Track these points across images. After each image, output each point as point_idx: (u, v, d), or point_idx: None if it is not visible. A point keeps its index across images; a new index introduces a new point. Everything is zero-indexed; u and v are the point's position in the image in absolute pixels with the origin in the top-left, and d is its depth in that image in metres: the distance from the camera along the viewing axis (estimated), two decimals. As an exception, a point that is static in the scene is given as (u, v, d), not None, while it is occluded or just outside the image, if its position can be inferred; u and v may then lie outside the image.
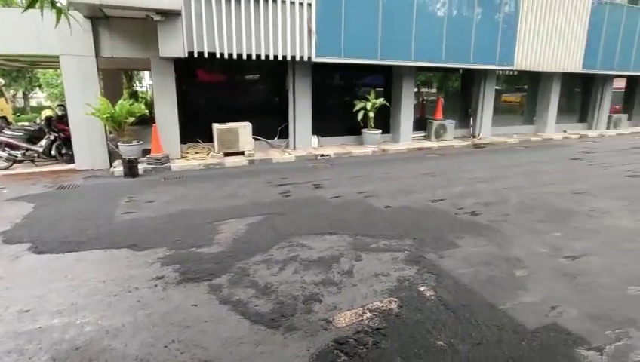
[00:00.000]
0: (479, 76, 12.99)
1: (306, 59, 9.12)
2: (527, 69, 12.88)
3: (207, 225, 4.88)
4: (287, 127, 10.32)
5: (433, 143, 11.58)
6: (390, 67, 11.20)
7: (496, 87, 13.98)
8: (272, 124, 10.34)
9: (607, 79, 15.99)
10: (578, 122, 16.72)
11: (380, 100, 10.56)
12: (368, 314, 2.96)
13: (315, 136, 10.47)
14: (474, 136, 13.09)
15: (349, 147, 10.60)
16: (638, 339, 2.71)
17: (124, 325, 2.84)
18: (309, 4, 8.89)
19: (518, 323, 2.88)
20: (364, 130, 10.73)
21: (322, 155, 9.61)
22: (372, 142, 10.62)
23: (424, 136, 12.36)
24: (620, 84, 17.53)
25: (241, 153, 9.10)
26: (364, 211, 5.46)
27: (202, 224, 4.94)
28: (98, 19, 7.82)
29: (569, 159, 9.85)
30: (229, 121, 9.15)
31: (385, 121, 11.76)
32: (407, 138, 11.71)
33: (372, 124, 10.61)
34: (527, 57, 12.60)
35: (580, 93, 16.65)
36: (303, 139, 10.27)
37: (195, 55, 8.13)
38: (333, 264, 3.80)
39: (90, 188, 6.92)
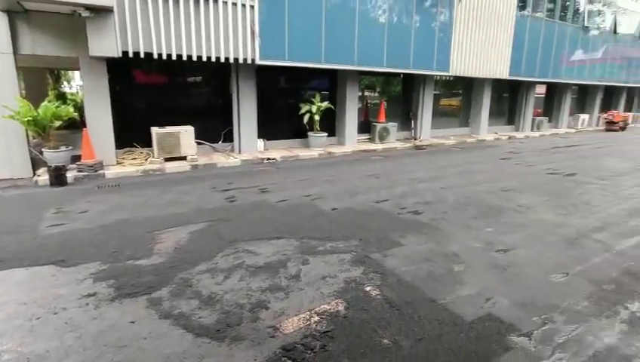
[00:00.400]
0: (419, 81, 13.63)
1: (249, 61, 8.99)
2: (462, 75, 13.76)
3: (146, 235, 4.62)
4: (231, 131, 10.09)
5: (377, 145, 11.94)
6: (335, 71, 11.39)
7: (435, 92, 14.78)
8: (216, 128, 10.06)
9: (531, 85, 17.54)
10: (507, 124, 18.14)
11: (326, 104, 10.70)
12: (316, 318, 2.97)
13: (261, 140, 10.35)
14: (415, 139, 13.70)
15: (295, 150, 10.60)
16: (561, 323, 2.98)
17: (48, 351, 2.59)
18: (252, 6, 8.79)
19: (456, 315, 3.05)
20: (310, 133, 10.80)
21: (268, 159, 9.52)
22: (318, 145, 10.72)
23: (369, 138, 12.70)
24: (541, 90, 19.29)
25: (184, 158, 8.75)
26: (311, 214, 5.49)
27: (141, 234, 4.67)
28: (16, 12, 7.12)
29: (499, 159, 10.65)
30: (169, 125, 8.76)
31: (331, 124, 11.93)
32: (352, 140, 11.97)
33: (318, 127, 10.71)
34: (462, 64, 13.46)
35: (508, 97, 18.09)
36: (249, 143, 10.10)
37: (131, 55, 7.68)
38: (280, 269, 3.77)
39: (11, 199, 6.26)
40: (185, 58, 8.24)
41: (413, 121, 13.85)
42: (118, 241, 4.42)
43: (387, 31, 11.04)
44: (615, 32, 20.29)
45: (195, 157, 8.82)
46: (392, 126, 12.65)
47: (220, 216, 5.35)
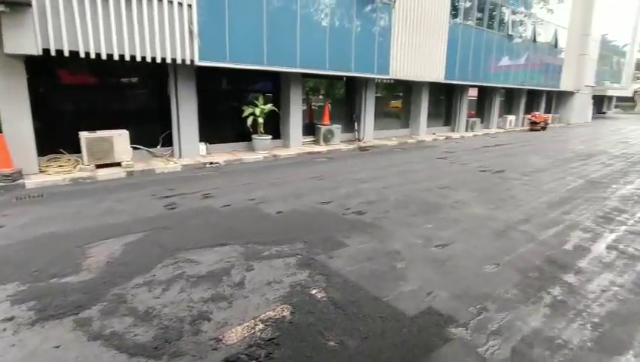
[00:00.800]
0: (361, 84, 13.99)
1: (188, 62, 8.66)
2: (401, 78, 14.36)
3: (75, 250, 4.25)
4: (171, 135, 9.64)
5: (322, 147, 12.06)
6: (278, 73, 11.33)
7: (377, 94, 15.27)
8: (153, 132, 9.56)
9: (464, 88, 18.73)
10: (444, 125, 19.21)
11: (269, 106, 10.60)
12: (261, 326, 2.91)
13: (203, 143, 10.01)
14: (359, 140, 14.03)
15: (239, 153, 10.39)
16: (494, 311, 3.19)
17: (-46, 386, 2.29)
18: (189, 5, 8.47)
19: (399, 311, 3.14)
20: (254, 136, 10.64)
21: (211, 163, 9.22)
22: (263, 148, 10.59)
23: (313, 140, 12.79)
24: (473, 93, 20.67)
25: (118, 164, 8.20)
26: (256, 218, 5.39)
27: (69, 248, 4.29)
28: None
29: (436, 158, 11.23)
30: (101, 129, 8.17)
31: (275, 126, 11.85)
32: (297, 143, 11.98)
33: (262, 129, 10.57)
34: (401, 68, 14.03)
35: (444, 100, 19.17)
36: (190, 147, 9.72)
37: (53, 53, 7.05)
38: (224, 277, 3.65)
39: None
40: (117, 58, 7.74)
41: (356, 123, 14.18)
42: (42, 258, 4.03)
43: (329, 34, 11.21)
44: (535, 40, 22.33)
45: (131, 163, 8.31)
46: (337, 128, 12.85)
47: (159, 225, 5.07)
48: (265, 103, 10.61)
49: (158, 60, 8.24)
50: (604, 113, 44.91)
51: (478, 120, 20.12)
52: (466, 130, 19.18)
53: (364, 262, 4.06)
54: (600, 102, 42.59)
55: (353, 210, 5.88)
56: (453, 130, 19.00)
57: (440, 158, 11.24)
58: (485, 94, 21.29)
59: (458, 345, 2.75)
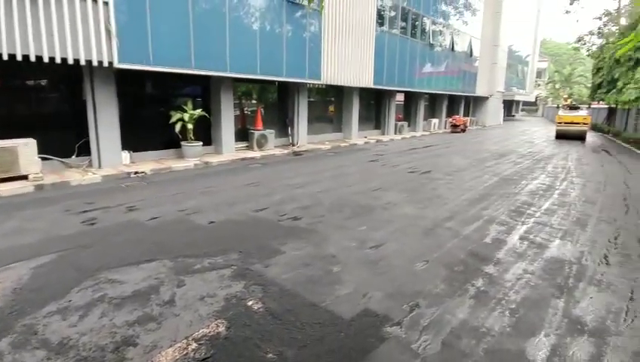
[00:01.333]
0: (293, 88, 14.04)
1: (106, 64, 8.01)
2: (333, 83, 14.68)
3: (-32, 278, 3.69)
4: (88, 143, 8.83)
5: (256, 153, 11.87)
6: (208, 78, 10.95)
7: (310, 99, 15.44)
8: (68, 140, 8.68)
9: (392, 93, 19.67)
10: (375, 129, 19.99)
11: (199, 111, 10.18)
12: (194, 345, 2.75)
13: (127, 152, 9.32)
14: (293, 145, 14.05)
15: (167, 162, 9.83)
16: (425, 307, 3.34)
17: None
18: (105, 3, 7.86)
19: (336, 316, 3.16)
20: (183, 143, 10.14)
21: (136, 173, 8.61)
22: (193, 155, 10.14)
23: (247, 146, 12.55)
24: (400, 98, 21.80)
25: (24, 177, 7.32)
26: (187, 230, 5.12)
27: (-40, 277, 3.71)
28: None
29: (368, 161, 11.63)
30: (3, 138, 7.23)
31: (206, 132, 11.43)
32: (230, 149, 11.66)
33: (192, 136, 10.13)
34: (332, 73, 14.35)
35: (374, 105, 19.95)
36: (111, 156, 8.99)
37: (-63, 52, 6.11)
38: (152, 296, 3.40)
39: None
40: (20, 58, 6.92)
41: (290, 128, 14.20)
42: None
43: (260, 39, 11.10)
44: (453, 49, 24.20)
45: (40, 175, 7.46)
46: (270, 133, 12.75)
47: (76, 243, 4.60)
48: (194, 108, 10.18)
49: (70, 61, 7.52)
50: (513, 116, 50.04)
51: (405, 123, 21.25)
52: (395, 133, 20.15)
53: (300, 268, 4.04)
54: (509, 106, 47.39)
55: (289, 215, 5.85)
56: (383, 134, 19.84)
57: (372, 161, 11.65)
58: (411, 99, 22.56)
59: (393, 343, 2.84)
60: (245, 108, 13.36)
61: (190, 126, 9.99)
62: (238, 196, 6.97)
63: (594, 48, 30.86)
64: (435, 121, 24.34)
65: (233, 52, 10.33)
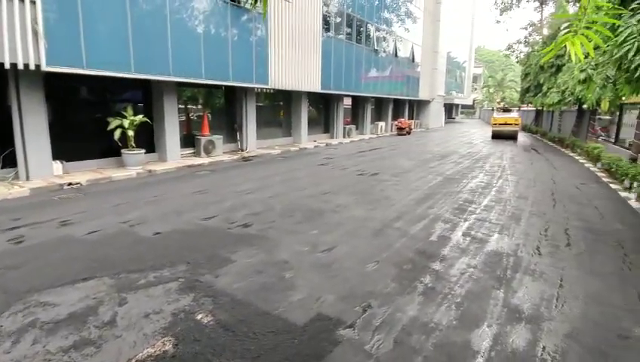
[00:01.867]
0: (241, 93, 13.80)
1: (32, 67, 7.35)
2: (281, 88, 14.64)
3: None
4: (14, 153, 8.05)
5: (204, 159, 11.51)
6: (149, 82, 10.44)
7: (258, 104, 15.27)
8: (-12, 150, 7.86)
9: (339, 98, 20.00)
10: (324, 133, 20.20)
11: (140, 117, 9.67)
12: (138, 366, 2.58)
13: (59, 162, 8.60)
14: (242, 150, 13.81)
15: (107, 171, 9.22)
16: (377, 307, 3.40)
17: None
18: (33, 2, 7.22)
19: (290, 323, 3.13)
20: (124, 151, 9.57)
21: (70, 184, 7.98)
22: (135, 163, 9.59)
23: (193, 152, 12.13)
24: (348, 102, 22.20)
25: None
26: (130, 243, 4.82)
27: None
28: None
29: (318, 165, 11.71)
30: None
31: (149, 139, 10.88)
32: (175, 156, 11.20)
33: (133, 143, 9.58)
34: (280, 77, 14.31)
35: (322, 109, 20.17)
36: (40, 167, 8.25)
37: None
38: (90, 317, 3.15)
39: None
40: None
41: (238, 133, 13.93)
42: None
43: (205, 42, 10.79)
44: (396, 55, 25.15)
45: (-44, 190, 6.67)
46: (218, 138, 12.43)
47: (2, 265, 4.15)
48: (135, 114, 9.65)
49: (-10, 64, 6.82)
50: (453, 118, 53.00)
51: (353, 127, 21.70)
52: (344, 137, 20.50)
53: (252, 276, 3.95)
54: (450, 109, 50.12)
55: (239, 223, 5.72)
56: (332, 137, 20.11)
57: (321, 165, 11.75)
58: (358, 103, 23.10)
59: (347, 346, 2.85)
60: (191, 114, 12.91)
61: (131, 133, 9.45)
62: (185, 204, 6.70)
63: (522, 55, 33.61)
64: (381, 124, 25.11)
65: (176, 55, 9.95)
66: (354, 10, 19.55)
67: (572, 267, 4.36)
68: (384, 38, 23.43)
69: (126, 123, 9.31)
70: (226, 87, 13.25)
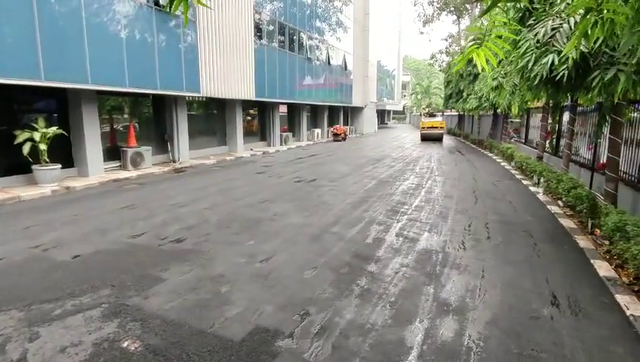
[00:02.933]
0: (170, 102, 13.20)
1: None
2: (213, 96, 14.25)
3: None
4: None
5: (131, 173, 10.80)
6: (65, 90, 9.58)
7: (191, 112, 14.73)
8: None
9: (275, 105, 19.96)
10: (260, 141, 20.01)
11: (54, 129, 8.79)
12: (53, 407, 2.32)
13: (-45, 182, 7.54)
14: (174, 161, 13.19)
15: (14, 190, 8.24)
16: (315, 314, 3.41)
17: None
18: None
19: (227, 339, 3.02)
20: (35, 167, 8.62)
21: (-30, 206, 7.03)
22: (49, 180, 8.68)
23: (120, 165, 11.34)
24: (284, 109, 22.26)
25: None
26: (43, 270, 4.35)
27: None
28: None
29: (255, 173, 11.56)
30: None
31: (66, 153, 9.95)
32: (98, 170, 10.37)
33: (46, 158, 8.68)
34: (212, 85, 13.92)
35: (258, 116, 19.98)
36: None
37: None
38: (-7, 357, 2.78)
39: None
40: None
41: (169, 144, 13.30)
42: None
43: (128, 48, 10.16)
44: (329, 63, 25.75)
45: None
46: (146, 150, 11.74)
47: None
48: (48, 126, 8.77)
49: None
50: (386, 124, 55.50)
51: (290, 134, 21.78)
52: (281, 144, 20.48)
53: (186, 294, 3.77)
54: (382, 115, 52.45)
55: (171, 238, 5.43)
56: (269, 145, 19.99)
57: (259, 173, 11.61)
58: (294, 110, 23.25)
59: (286, 356, 2.82)
60: (116, 124, 12.06)
61: (43, 147, 8.57)
62: (110, 222, 6.21)
63: (444, 64, 36.20)
64: (317, 130, 25.49)
65: (95, 62, 9.24)
66: (286, 19, 19.71)
67: (491, 258, 4.75)
68: (317, 47, 23.90)
69: (37, 136, 8.42)
70: (154, 95, 12.59)
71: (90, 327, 3.15)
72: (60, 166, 8.97)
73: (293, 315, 3.38)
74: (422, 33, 69.03)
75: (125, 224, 6.14)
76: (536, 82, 4.91)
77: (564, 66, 4.37)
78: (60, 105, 9.98)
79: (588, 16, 2.41)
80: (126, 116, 12.53)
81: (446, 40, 36.59)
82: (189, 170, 12.18)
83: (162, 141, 13.36)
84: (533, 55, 4.69)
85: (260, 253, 4.86)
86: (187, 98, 14.04)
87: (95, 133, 10.33)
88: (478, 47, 2.59)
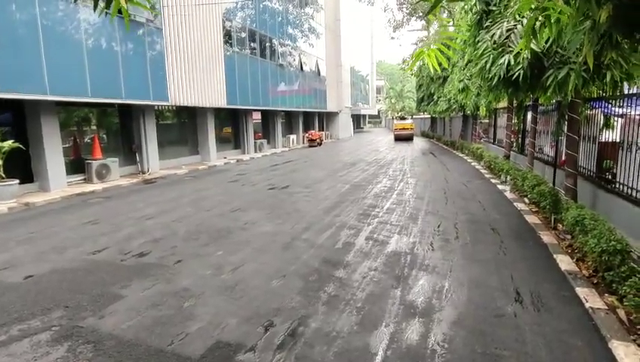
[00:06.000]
0: (138, 111, 12.86)
1: None
2: (183, 105, 13.98)
3: None
4: None
5: (97, 186, 10.42)
6: (21, 102, 9.17)
7: (161, 122, 14.43)
8: None
9: (248, 113, 19.78)
10: (234, 148, 19.77)
11: (10, 143, 8.38)
12: None
13: None
14: (143, 172, 12.83)
15: (-31, 208, 7.80)
16: (280, 324, 3.32)
17: None
18: None
19: (185, 357, 2.89)
20: (-9, 183, 8.21)
21: None
22: (6, 196, 8.23)
23: (84, 179, 10.93)
24: (257, 117, 22.08)
25: None
26: (-8, 293, 4.09)
27: None
28: None
29: (228, 182, 11.37)
30: None
31: (25, 167, 9.51)
32: (60, 184, 9.94)
33: (1, 173, 8.27)
34: (180, 94, 13.66)
35: (231, 124, 19.74)
36: None
37: None
38: None
39: None
40: None
41: (138, 155, 12.93)
42: None
43: (90, 57, 9.84)
44: (302, 69, 25.78)
45: None
46: (113, 161, 11.37)
47: None
48: (3, 140, 8.36)
49: None
50: (362, 128, 55.99)
51: (264, 141, 21.62)
52: (256, 152, 20.30)
53: (146, 311, 3.60)
54: (358, 120, 52.87)
55: (135, 253, 5.23)
56: (243, 153, 19.77)
57: (232, 182, 11.43)
58: (268, 117, 23.11)
59: (247, 370, 2.72)
60: (80, 136, 11.63)
61: (-1, 162, 8.17)
62: (70, 239, 5.93)
63: (415, 69, 36.86)
64: (293, 136, 25.42)
65: (54, 71, 8.89)
66: (257, 26, 19.64)
67: (459, 257, 4.78)
68: (289, 53, 23.90)
69: (-8, 151, 8.02)
70: (121, 105, 12.22)
71: (37, 353, 2.95)
72: (17, 181, 8.55)
73: (257, 327, 3.28)
74: (392, 38, 70.49)
75: (86, 240, 5.88)
76: (494, 82, 5.01)
77: (520, 67, 4.48)
78: (16, 117, 9.54)
79: (532, 15, 2.45)
80: (93, 127, 12.12)
81: (416, 44, 37.29)
82: (159, 181, 11.86)
83: (130, 152, 12.98)
84: (491, 56, 4.80)
85: (228, 264, 4.74)
86: (156, 107, 13.74)
87: (56, 146, 9.92)
88: (428, 49, 2.60)
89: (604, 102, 6.19)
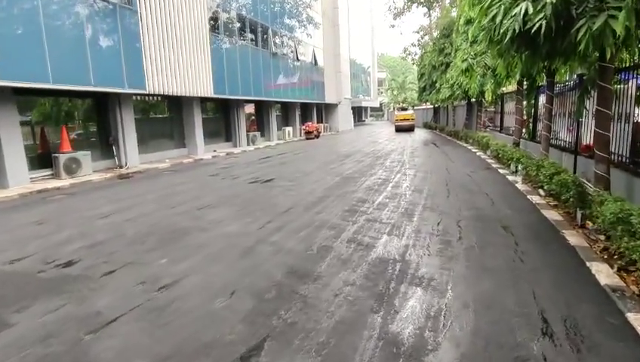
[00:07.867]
0: (114, 100, 11.85)
1: None
2: (162, 93, 12.93)
3: None
4: None
5: (64, 181, 9.45)
6: (-28, 89, 8.21)
7: (141, 113, 13.45)
8: None
9: (240, 103, 18.72)
10: (225, 141, 18.74)
11: (-48, 134, 7.44)
12: None
13: None
14: (121, 167, 11.85)
15: None
16: None
17: None
18: None
19: None
20: None
21: None
22: (-54, 193, 7.33)
23: (52, 174, 9.97)
24: (250, 108, 21.05)
25: None
26: None
27: None
28: None
29: (208, 176, 10.35)
30: None
31: (-20, 162, 8.58)
32: (21, 180, 8.98)
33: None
34: (160, 82, 12.60)
35: (221, 116, 18.71)
36: None
37: None
38: None
39: None
40: None
41: (114, 147, 11.95)
42: None
43: (50, 38, 8.80)
44: (298, 59, 24.63)
45: None
46: (84, 155, 10.39)
47: None
48: (-54, 130, 7.40)
49: None
50: (363, 121, 54.67)
51: (258, 133, 20.57)
52: (248, 144, 19.26)
53: (32, 347, 2.62)
54: (359, 112, 51.61)
55: (60, 261, 4.23)
56: (235, 146, 18.74)
57: (212, 176, 10.41)
58: (263, 109, 22.03)
59: None
60: (48, 129, 10.64)
61: (-60, 155, 7.20)
62: (-5, 244, 4.96)
63: (416, 57, 35.59)
64: (289, 129, 24.33)
65: (5, 54, 7.90)
66: (248, 12, 18.54)
67: (462, 266, 3.73)
68: (284, 42, 22.77)
69: None
70: (95, 93, 11.20)
71: None
72: (-39, 177, 7.59)
73: (171, 373, 2.27)
74: (393, 27, 68.70)
75: (15, 245, 4.90)
76: (506, 43, 3.92)
77: (541, 15, 3.39)
78: (-31, 106, 8.58)
79: None
80: (65, 119, 11.12)
81: (418, 32, 36.00)
82: (135, 176, 10.87)
83: (107, 145, 12.00)
84: (502, 6, 3.70)
85: (168, 276, 3.73)
86: (134, 97, 12.73)
87: (15, 139, 8.95)
88: None
89: (636, 73, 5.10)
